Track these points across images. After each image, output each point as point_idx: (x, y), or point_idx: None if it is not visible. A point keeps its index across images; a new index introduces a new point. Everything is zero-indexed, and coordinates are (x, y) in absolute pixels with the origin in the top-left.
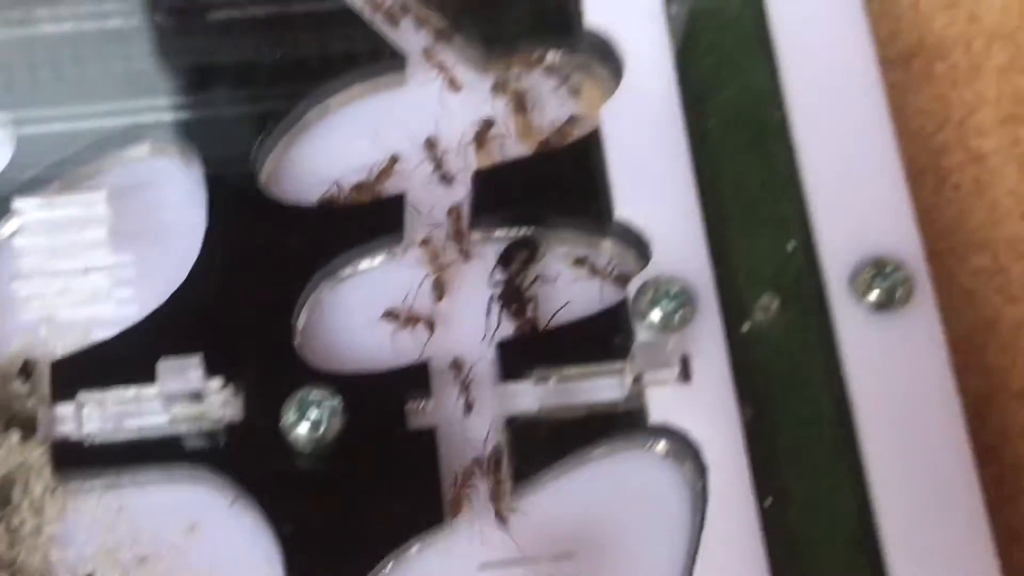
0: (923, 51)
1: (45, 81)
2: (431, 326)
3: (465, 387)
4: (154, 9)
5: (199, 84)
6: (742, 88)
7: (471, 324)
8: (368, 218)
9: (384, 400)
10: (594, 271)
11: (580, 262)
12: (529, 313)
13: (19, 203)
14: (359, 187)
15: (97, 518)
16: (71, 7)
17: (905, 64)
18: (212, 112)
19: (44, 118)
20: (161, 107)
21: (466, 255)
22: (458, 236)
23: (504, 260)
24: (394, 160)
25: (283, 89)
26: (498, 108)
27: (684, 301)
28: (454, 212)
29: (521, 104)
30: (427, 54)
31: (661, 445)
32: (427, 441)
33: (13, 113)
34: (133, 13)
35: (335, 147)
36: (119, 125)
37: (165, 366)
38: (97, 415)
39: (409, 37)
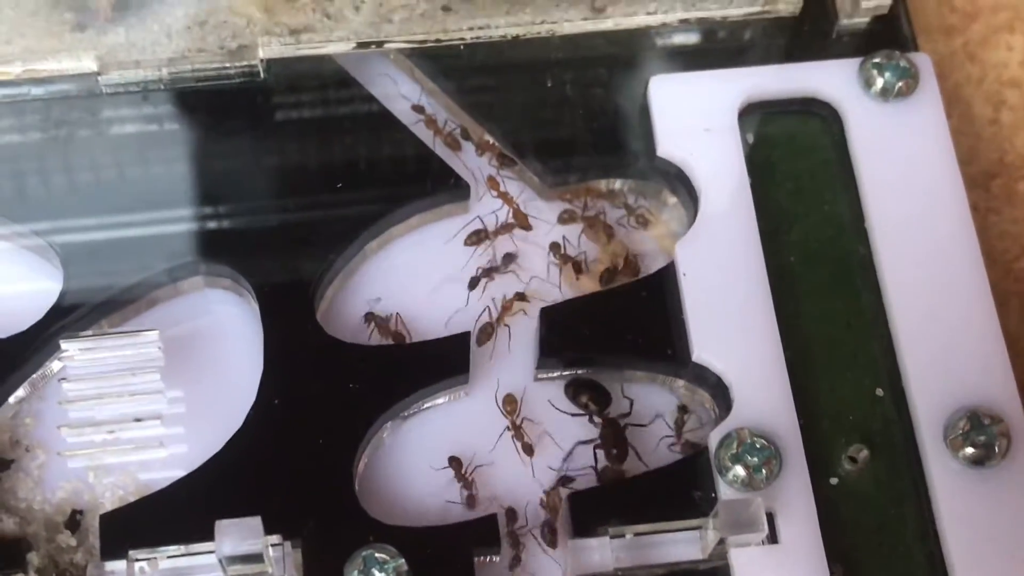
0: (1004, 170)
1: (91, 201)
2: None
3: (515, 539)
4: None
5: (254, 213)
6: (822, 219)
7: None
8: (432, 357)
9: (451, 557)
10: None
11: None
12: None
13: (66, 343)
14: None
15: None
16: (121, 120)
17: (985, 185)
18: (269, 246)
19: (88, 230)
20: (215, 233)
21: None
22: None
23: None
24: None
25: (344, 219)
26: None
27: (770, 456)
28: None
29: (599, 231)
30: (491, 182)
31: None
32: None
33: (65, 232)
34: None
35: (395, 278)
36: (166, 248)
37: (224, 527)
38: (151, 573)
39: (471, 163)
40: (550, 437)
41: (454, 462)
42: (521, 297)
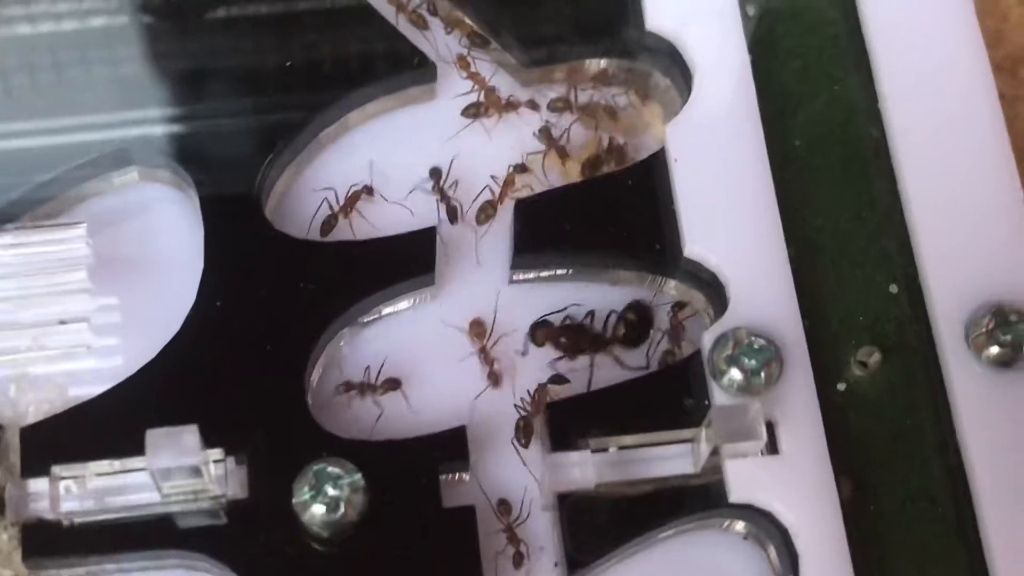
0: None
1: (17, 90)
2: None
3: (514, 538)
4: (144, 7)
5: (196, 96)
6: (831, 101)
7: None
8: (393, 255)
9: (414, 473)
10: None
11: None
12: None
13: None
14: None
15: None
16: (47, 5)
17: (1013, 70)
18: (211, 129)
19: (15, 133)
20: (151, 122)
21: None
22: None
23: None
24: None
25: (294, 103)
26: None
27: (770, 357)
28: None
29: (599, 117)
30: (461, 62)
31: (740, 526)
32: (465, 520)
33: None
34: (119, 12)
35: (352, 171)
36: (102, 141)
37: (155, 436)
38: (76, 492)
39: (439, 43)
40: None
41: (476, 327)
42: (522, 169)
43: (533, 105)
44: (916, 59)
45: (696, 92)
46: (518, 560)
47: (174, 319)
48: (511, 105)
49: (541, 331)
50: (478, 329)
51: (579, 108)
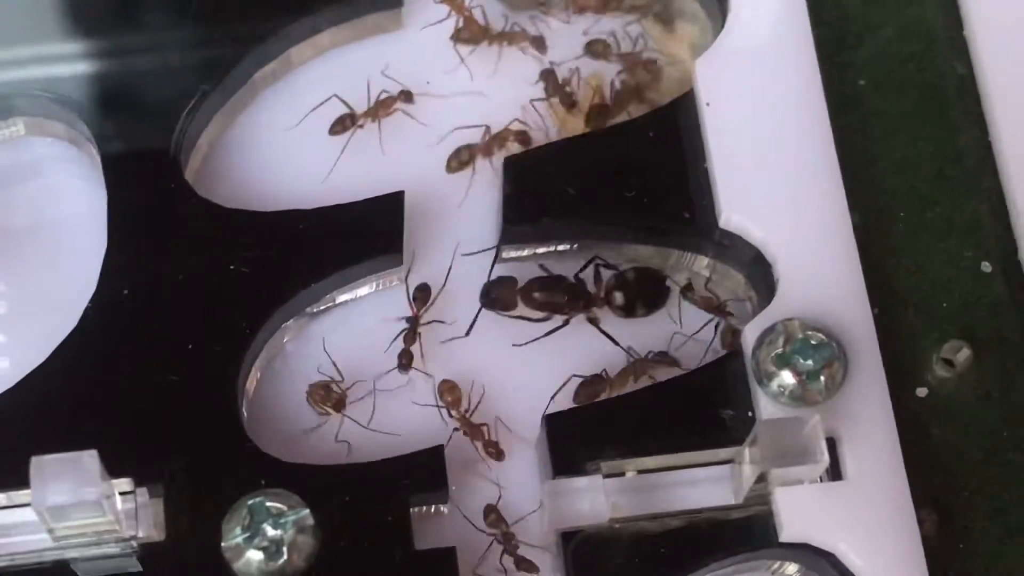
0: None
1: None
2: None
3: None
4: None
5: (96, 26)
6: (903, 29)
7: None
8: (351, 227)
9: (379, 507)
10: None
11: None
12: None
13: None
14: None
15: None
16: None
17: None
18: (116, 69)
19: None
20: (39, 61)
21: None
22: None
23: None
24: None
25: (221, 34)
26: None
27: (830, 356)
28: None
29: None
30: None
31: (793, 569)
32: (443, 566)
33: None
34: None
35: (297, 121)
36: None
37: (44, 464)
38: None
39: None
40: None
41: (447, 391)
42: (522, 137)
43: (540, 45)
44: None
45: (733, 18)
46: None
47: (70, 311)
48: (512, 36)
49: (505, 289)
50: (451, 396)
51: (624, 58)
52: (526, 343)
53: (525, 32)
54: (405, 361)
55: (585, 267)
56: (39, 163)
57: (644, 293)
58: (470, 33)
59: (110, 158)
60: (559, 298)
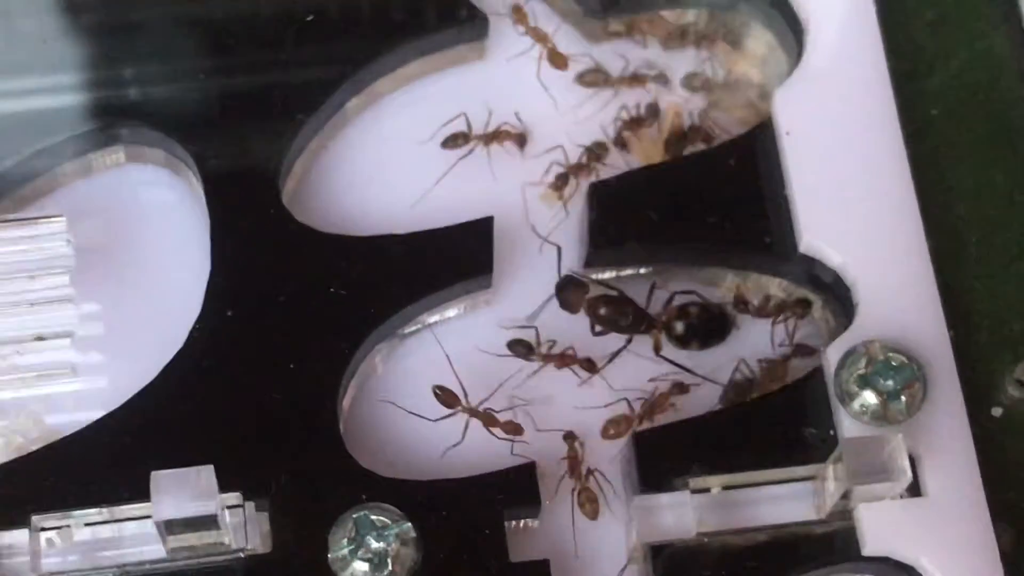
0: None
1: None
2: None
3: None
4: None
5: (198, 56)
6: (974, 59)
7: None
8: (442, 252)
9: (475, 520)
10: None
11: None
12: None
13: None
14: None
15: None
16: None
17: None
18: (215, 99)
19: None
20: (142, 88)
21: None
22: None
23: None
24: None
25: (317, 66)
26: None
27: (911, 377)
28: None
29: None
30: (516, 14)
31: None
32: None
33: None
34: None
35: (384, 149)
36: (80, 112)
37: (162, 479)
38: (60, 546)
39: None
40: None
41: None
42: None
43: (663, 79)
44: None
45: (810, 50)
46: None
47: (175, 333)
48: (636, 79)
49: (576, 292)
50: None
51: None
52: (603, 366)
53: (649, 74)
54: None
55: (651, 294)
56: (137, 189)
57: (703, 329)
58: (595, 77)
59: (212, 185)
60: (623, 318)
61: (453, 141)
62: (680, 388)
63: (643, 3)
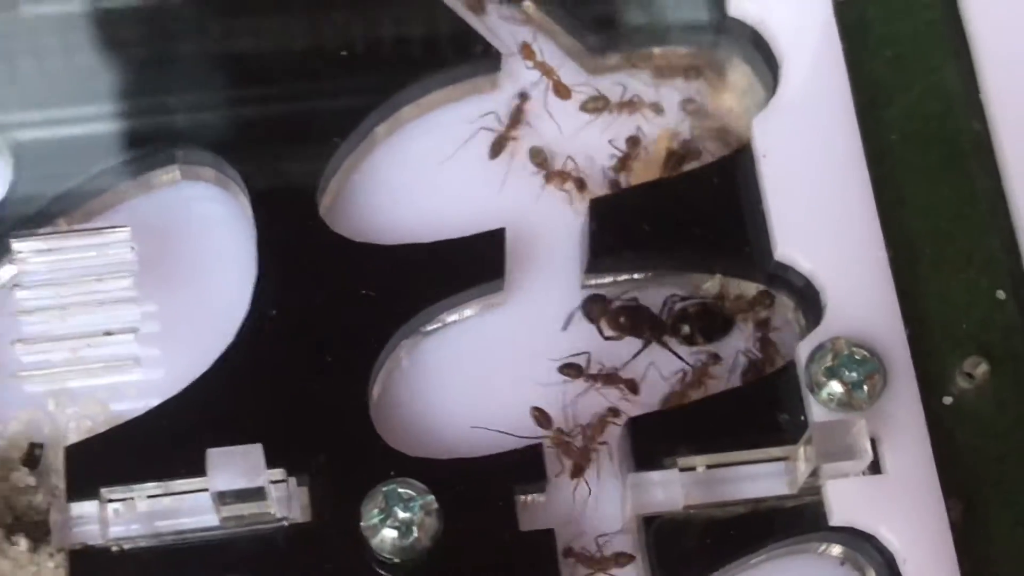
0: None
1: (49, 76)
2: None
3: (566, 446)
4: None
5: (246, 85)
6: (927, 92)
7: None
8: (460, 259)
9: (488, 494)
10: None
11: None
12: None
13: (19, 244)
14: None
15: None
16: None
17: None
18: (262, 124)
19: (47, 122)
20: (197, 114)
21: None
22: None
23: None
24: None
25: (351, 94)
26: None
27: (872, 369)
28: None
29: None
30: (525, 51)
31: (837, 550)
32: (544, 545)
33: (12, 116)
34: None
35: (408, 169)
36: (142, 135)
37: (217, 457)
38: (125, 515)
39: (500, 28)
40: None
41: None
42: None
43: (658, 108)
44: (1020, 45)
45: (784, 83)
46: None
47: (225, 329)
48: (632, 105)
49: (597, 306)
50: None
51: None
52: (626, 363)
53: (643, 101)
54: (576, 471)
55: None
56: (190, 203)
57: (704, 328)
58: (596, 104)
59: (257, 200)
60: (642, 325)
61: (499, 145)
62: (614, 412)
63: (636, 41)
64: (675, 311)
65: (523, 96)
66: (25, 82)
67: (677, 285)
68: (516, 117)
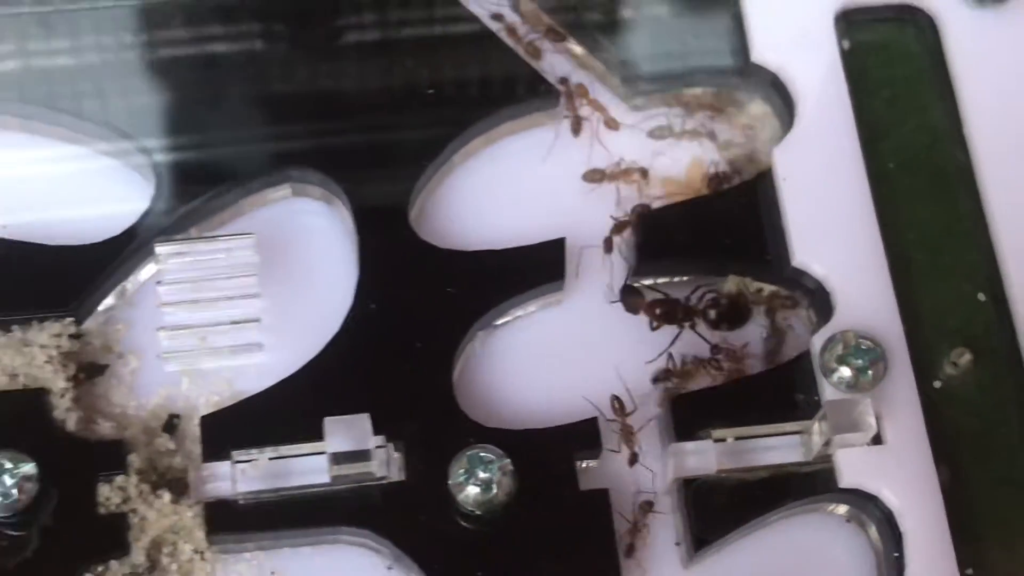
0: None
1: (180, 110)
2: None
3: (629, 434)
4: (297, 33)
5: (353, 118)
6: (919, 127)
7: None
8: (528, 263)
9: (553, 458)
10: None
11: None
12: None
13: (161, 248)
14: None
15: None
16: (203, 29)
17: None
18: (364, 148)
19: (188, 146)
20: (310, 142)
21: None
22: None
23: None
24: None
25: (436, 126)
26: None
27: (876, 357)
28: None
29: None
30: (579, 90)
31: (843, 509)
32: (600, 503)
33: (154, 141)
34: (273, 36)
35: (479, 190)
36: (265, 159)
37: (333, 423)
38: (251, 474)
39: (557, 70)
40: None
41: (616, 402)
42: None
43: (713, 137)
44: (997, 89)
45: (800, 118)
46: (632, 459)
47: (332, 320)
48: (694, 134)
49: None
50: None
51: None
52: (660, 355)
53: (703, 130)
54: (631, 461)
55: (694, 291)
56: (300, 216)
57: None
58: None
59: (359, 212)
60: (676, 313)
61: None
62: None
63: (670, 82)
64: (705, 300)
65: (564, 81)
66: (165, 114)
67: (706, 286)
68: (571, 100)
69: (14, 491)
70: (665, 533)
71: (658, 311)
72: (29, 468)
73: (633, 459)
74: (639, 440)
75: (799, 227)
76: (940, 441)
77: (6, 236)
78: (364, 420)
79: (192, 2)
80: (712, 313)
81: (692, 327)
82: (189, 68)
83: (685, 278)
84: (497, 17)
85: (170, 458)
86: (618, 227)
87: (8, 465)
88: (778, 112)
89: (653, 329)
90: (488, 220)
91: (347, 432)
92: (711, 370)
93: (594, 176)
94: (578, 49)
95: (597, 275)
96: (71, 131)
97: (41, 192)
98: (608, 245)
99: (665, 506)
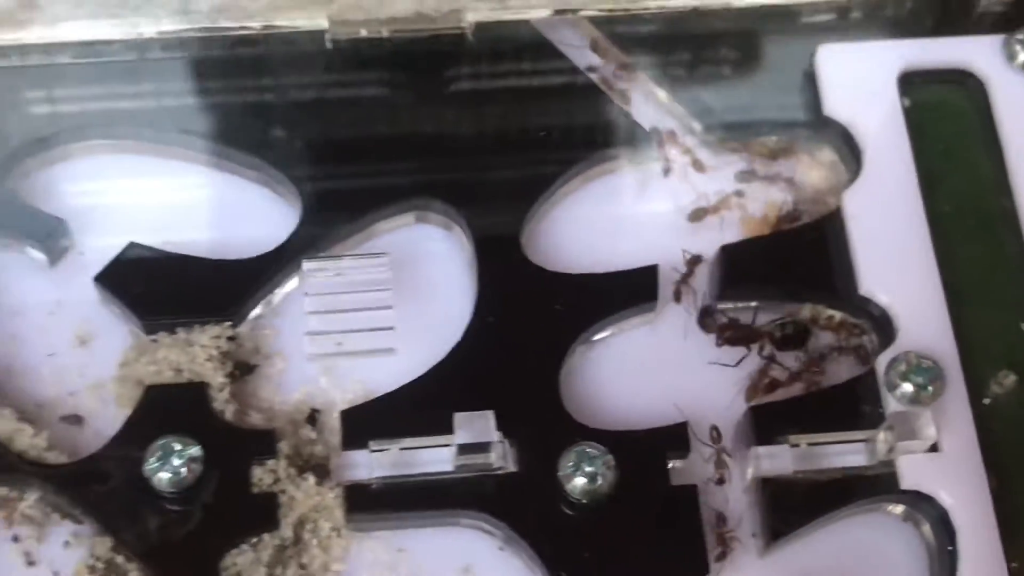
0: None
1: (323, 147)
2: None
3: (720, 460)
4: (427, 87)
5: (474, 157)
6: (970, 176)
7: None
8: (624, 286)
9: (648, 456)
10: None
11: (841, 326)
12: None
13: (308, 264)
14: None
15: (379, 558)
16: (343, 75)
17: None
18: (481, 182)
19: (323, 177)
20: (432, 176)
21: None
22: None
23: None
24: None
25: (544, 165)
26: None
27: (935, 375)
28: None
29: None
30: (669, 136)
31: (900, 508)
32: (688, 496)
33: (301, 172)
34: (403, 84)
35: (585, 217)
36: (396, 191)
37: (462, 418)
38: (385, 462)
39: (644, 115)
40: None
41: (715, 432)
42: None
43: (791, 183)
44: None
45: (867, 165)
46: (720, 481)
47: (454, 331)
48: (773, 179)
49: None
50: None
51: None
52: (739, 361)
53: (782, 175)
54: (718, 481)
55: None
56: (422, 241)
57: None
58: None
59: (477, 238)
60: (746, 335)
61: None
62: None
63: (747, 134)
64: (774, 325)
65: (655, 128)
66: (310, 149)
67: (780, 311)
68: (662, 144)
69: (183, 470)
70: (742, 528)
71: (729, 334)
72: (195, 451)
73: (720, 481)
74: (729, 465)
75: (866, 261)
76: (989, 450)
77: (173, 251)
78: (488, 416)
79: (332, 52)
80: (778, 334)
81: (760, 349)
82: (333, 111)
83: (760, 303)
84: (592, 69)
85: (312, 446)
86: (684, 278)
87: (178, 447)
88: (844, 160)
89: (718, 346)
90: (589, 247)
91: (473, 426)
92: (807, 380)
93: (698, 215)
94: (663, 95)
95: (685, 299)
96: (232, 163)
97: (203, 213)
98: (677, 295)
99: (743, 503)
